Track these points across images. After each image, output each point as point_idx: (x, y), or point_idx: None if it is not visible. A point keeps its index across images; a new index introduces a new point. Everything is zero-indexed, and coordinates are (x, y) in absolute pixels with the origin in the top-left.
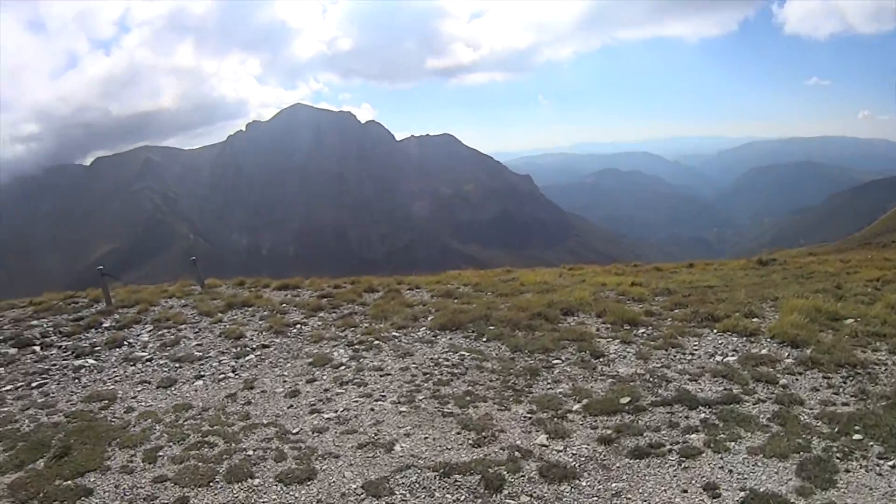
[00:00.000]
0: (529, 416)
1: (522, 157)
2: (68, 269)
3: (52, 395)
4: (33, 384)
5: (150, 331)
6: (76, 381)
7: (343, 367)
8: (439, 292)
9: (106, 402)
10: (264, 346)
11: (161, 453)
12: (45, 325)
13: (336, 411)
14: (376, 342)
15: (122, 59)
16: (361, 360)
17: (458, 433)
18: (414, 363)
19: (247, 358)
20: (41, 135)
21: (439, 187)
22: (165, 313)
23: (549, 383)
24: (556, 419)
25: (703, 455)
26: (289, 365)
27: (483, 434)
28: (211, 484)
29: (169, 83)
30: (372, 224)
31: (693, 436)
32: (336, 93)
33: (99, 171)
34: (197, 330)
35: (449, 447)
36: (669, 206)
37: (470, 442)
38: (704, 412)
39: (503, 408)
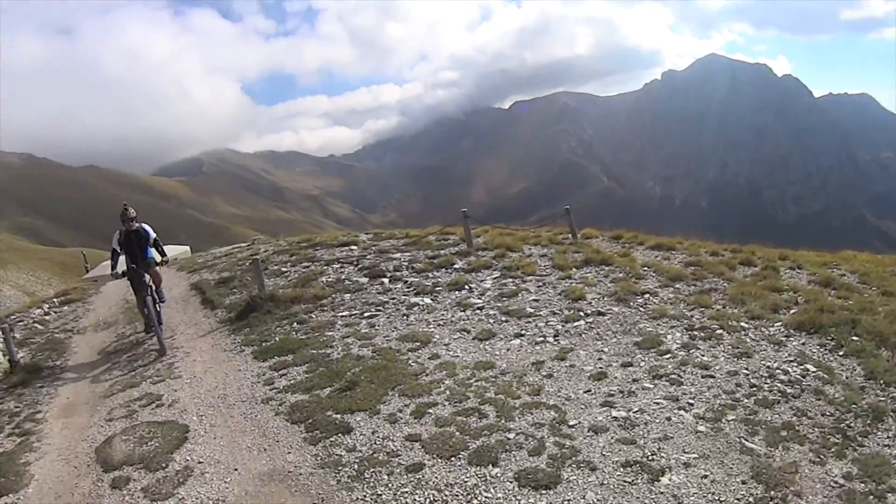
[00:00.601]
0: (842, 482)
1: None
2: (483, 204)
3: (376, 327)
4: (366, 314)
5: (495, 278)
6: (404, 318)
7: (668, 356)
8: (819, 278)
9: (418, 344)
10: (599, 314)
11: (431, 410)
12: (402, 259)
13: (629, 410)
14: (718, 331)
15: (533, 10)
16: (691, 352)
17: (744, 482)
18: (746, 369)
19: (575, 324)
20: (460, 81)
21: (857, 152)
22: (519, 261)
23: (889, 437)
24: (871, 497)
25: None
26: (614, 340)
27: (771, 493)
28: (452, 459)
29: (582, 32)
30: (787, 184)
31: None
32: (750, 44)
33: (517, 115)
34: (541, 284)
35: (722, 499)
36: None
37: (750, 499)
38: None
39: (817, 459)
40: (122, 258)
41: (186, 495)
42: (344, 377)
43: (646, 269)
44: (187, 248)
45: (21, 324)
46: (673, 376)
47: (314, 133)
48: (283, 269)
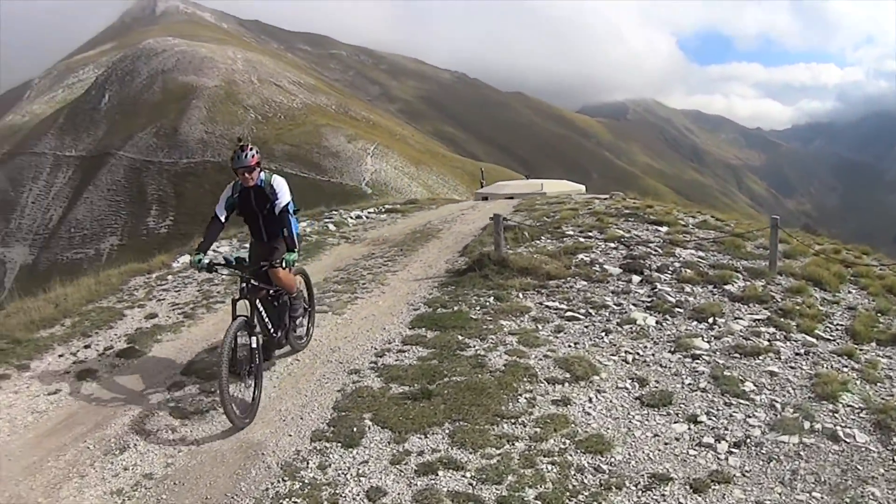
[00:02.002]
0: None
1: None
2: None
3: (559, 335)
4: (567, 314)
5: (755, 320)
6: (602, 335)
7: None
8: None
9: (567, 376)
10: (832, 437)
11: (444, 476)
12: (681, 257)
13: None
14: None
15: None
16: None
17: None
18: None
19: (782, 438)
20: None
21: None
22: (808, 307)
23: None
24: None
25: None
26: (802, 496)
27: None
28: None
29: None
30: None
31: None
32: None
33: None
34: (802, 352)
35: None
36: None
37: None
38: None
39: None
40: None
41: (191, 427)
42: (435, 382)
43: None
44: (582, 187)
45: (331, 220)
46: None
47: (745, 102)
48: (568, 233)
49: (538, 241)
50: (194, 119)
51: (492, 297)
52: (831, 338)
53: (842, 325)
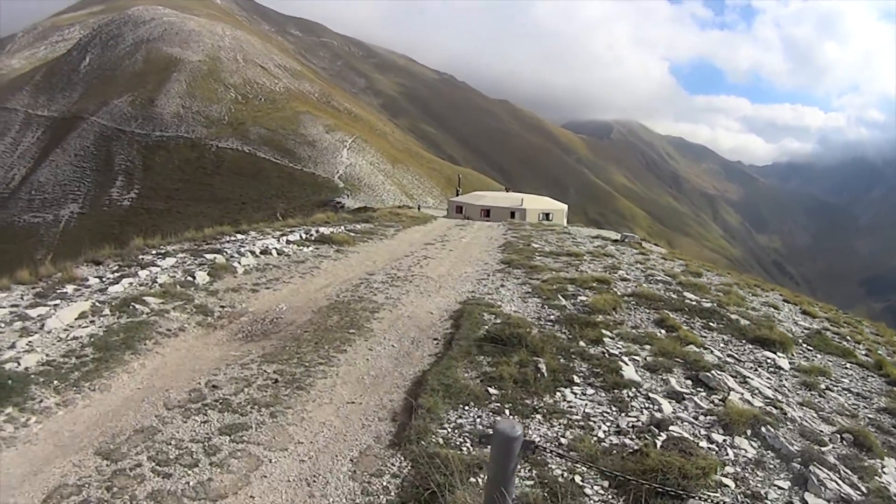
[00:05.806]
0: None
1: None
2: (873, 263)
3: None
4: None
5: None
6: None
7: None
8: None
9: None
10: None
11: None
12: None
13: None
14: None
15: None
16: None
17: None
18: None
19: None
20: (886, 125)
21: None
22: None
23: None
24: None
25: None
26: None
27: None
28: None
29: None
30: None
31: None
32: None
33: None
34: None
35: None
36: None
37: None
38: None
39: None
40: None
41: None
42: None
43: None
44: (564, 206)
45: (212, 260)
46: None
47: (729, 134)
48: (620, 365)
49: (562, 388)
50: (173, 92)
51: None
52: None
53: None
